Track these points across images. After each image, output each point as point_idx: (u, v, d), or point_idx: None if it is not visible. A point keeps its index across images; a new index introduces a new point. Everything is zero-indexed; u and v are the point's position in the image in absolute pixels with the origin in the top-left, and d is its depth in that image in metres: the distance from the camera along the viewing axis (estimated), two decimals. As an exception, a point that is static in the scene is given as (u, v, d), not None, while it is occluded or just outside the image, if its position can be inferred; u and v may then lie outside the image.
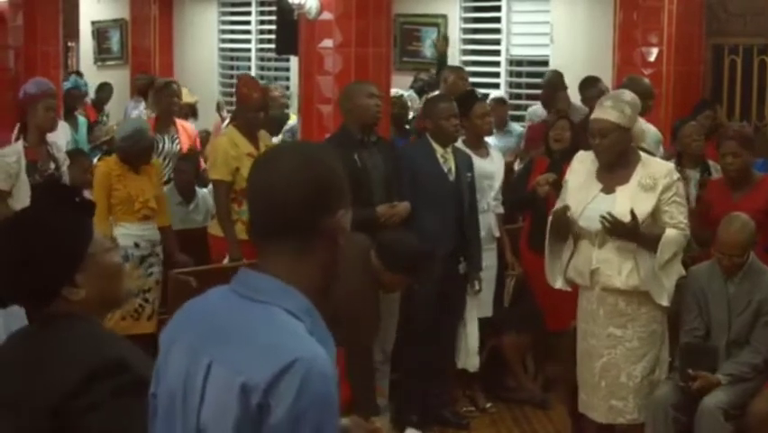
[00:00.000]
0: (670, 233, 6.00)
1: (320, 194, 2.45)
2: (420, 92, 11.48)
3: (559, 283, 6.42)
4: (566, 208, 6.17)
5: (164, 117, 9.96)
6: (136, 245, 7.74)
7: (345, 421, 2.73)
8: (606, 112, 6.09)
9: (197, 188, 9.47)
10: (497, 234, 7.92)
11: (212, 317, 2.50)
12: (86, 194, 8.74)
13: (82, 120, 12.45)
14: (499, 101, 11.58)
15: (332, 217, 2.47)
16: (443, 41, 12.03)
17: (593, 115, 6.20)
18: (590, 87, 10.28)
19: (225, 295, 2.51)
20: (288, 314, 2.42)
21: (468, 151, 7.71)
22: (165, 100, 10.12)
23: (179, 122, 10.16)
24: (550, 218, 6.36)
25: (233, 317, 2.45)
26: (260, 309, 2.42)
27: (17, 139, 8.16)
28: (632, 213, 5.90)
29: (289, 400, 2.28)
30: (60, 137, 9.51)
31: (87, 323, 2.95)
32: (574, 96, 10.98)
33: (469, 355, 7.71)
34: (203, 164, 9.78)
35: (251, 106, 8.08)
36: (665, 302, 6.06)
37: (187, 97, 12.36)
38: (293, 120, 10.89)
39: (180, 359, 2.50)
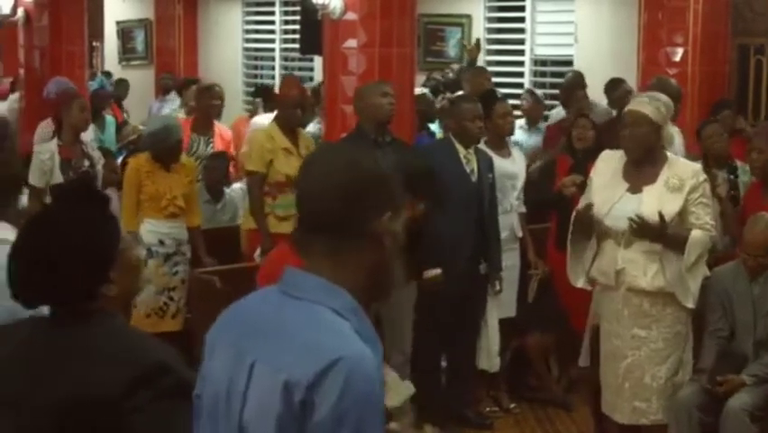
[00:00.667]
0: (696, 234, 5.98)
1: (363, 196, 2.45)
2: (434, 91, 11.46)
3: (581, 282, 6.41)
4: (589, 207, 6.16)
5: (203, 119, 10.00)
6: (161, 243, 7.77)
7: (394, 426, 2.73)
8: (641, 105, 6.13)
9: (225, 189, 9.50)
10: (519, 234, 7.91)
11: (256, 317, 2.52)
12: (111, 192, 8.81)
13: (110, 120, 12.46)
14: (536, 98, 11.54)
15: (377, 220, 2.47)
16: (476, 47, 11.97)
17: (628, 107, 6.25)
18: (615, 88, 10.25)
19: (272, 294, 2.52)
20: (334, 313, 2.41)
21: (489, 151, 7.69)
22: (206, 102, 10.15)
23: (218, 126, 10.19)
24: (573, 217, 6.36)
25: (276, 316, 2.45)
26: (304, 308, 2.43)
27: (52, 137, 8.26)
28: (660, 215, 5.88)
29: (333, 399, 2.28)
30: (86, 137, 9.57)
31: (120, 321, 2.98)
32: (599, 95, 10.95)
33: (490, 356, 7.69)
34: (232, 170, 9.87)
35: (289, 103, 8.23)
36: (691, 304, 6.04)
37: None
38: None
39: (224, 360, 2.51)
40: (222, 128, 10.33)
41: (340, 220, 2.44)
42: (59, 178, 7.90)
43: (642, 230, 5.94)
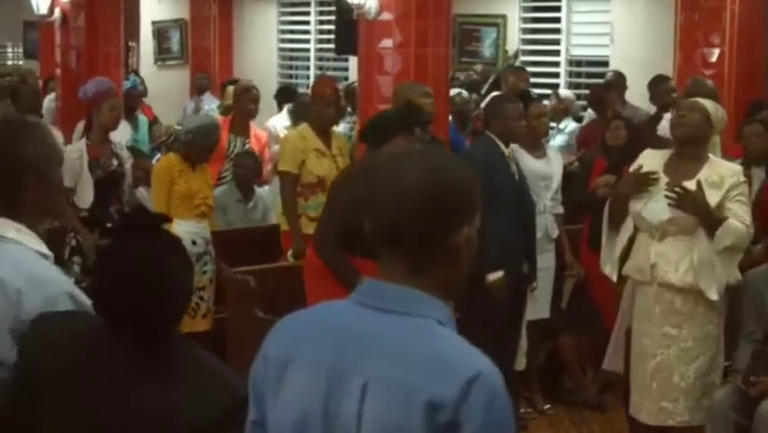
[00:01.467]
0: (733, 221, 5.96)
1: (442, 210, 2.36)
2: (469, 90, 11.44)
3: (608, 269, 6.41)
4: (639, 168, 6.18)
5: (240, 120, 10.05)
6: (193, 243, 7.75)
7: None
8: (702, 100, 6.24)
9: (256, 188, 9.52)
10: (554, 235, 7.87)
11: (349, 333, 2.37)
12: (141, 191, 8.86)
13: (143, 119, 12.52)
14: (559, 99, 11.52)
15: (456, 234, 2.37)
16: (514, 57, 11.93)
17: (690, 97, 6.36)
18: (659, 85, 10.19)
19: (352, 308, 2.40)
20: (440, 325, 2.34)
21: (524, 152, 7.67)
22: (244, 104, 10.19)
23: (253, 128, 10.23)
24: (610, 199, 6.43)
25: (380, 332, 2.33)
26: (410, 321, 2.33)
27: (82, 137, 8.29)
28: (698, 184, 5.89)
29: (481, 416, 2.22)
30: (119, 137, 9.61)
31: (198, 348, 3.00)
32: (635, 96, 10.92)
33: (519, 355, 7.68)
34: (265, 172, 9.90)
35: (321, 102, 8.23)
36: (714, 296, 5.99)
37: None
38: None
39: (311, 380, 2.36)
40: (257, 130, 10.36)
41: (422, 236, 2.35)
42: (87, 177, 7.92)
43: (682, 198, 5.93)
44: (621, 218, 6.30)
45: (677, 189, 5.94)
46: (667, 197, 5.96)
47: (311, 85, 11.04)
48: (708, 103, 6.20)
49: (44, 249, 3.24)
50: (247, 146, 9.87)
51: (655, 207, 6.04)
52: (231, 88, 12.24)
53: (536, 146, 7.89)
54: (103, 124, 8.12)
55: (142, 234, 2.94)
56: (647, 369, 6.11)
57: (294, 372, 2.39)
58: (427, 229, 2.34)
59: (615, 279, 6.42)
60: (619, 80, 11.23)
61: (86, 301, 3.14)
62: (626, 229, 6.29)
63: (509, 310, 7.34)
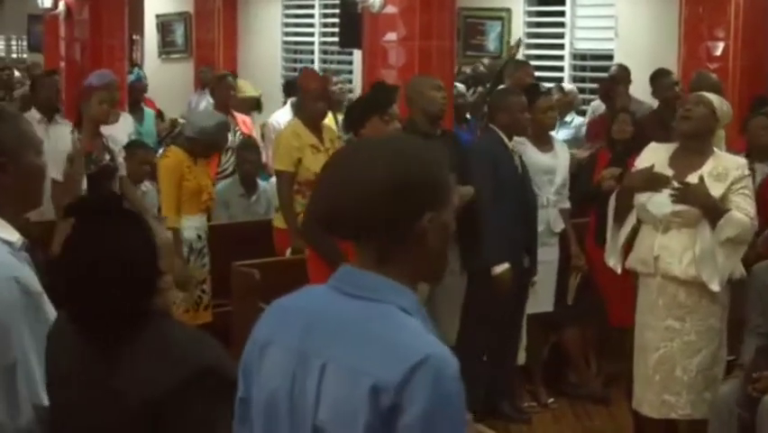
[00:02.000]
0: (736, 213, 5.96)
1: (402, 197, 2.36)
2: (465, 84, 11.42)
3: (612, 262, 6.42)
4: (652, 168, 6.19)
5: (222, 109, 10.04)
6: (198, 237, 7.76)
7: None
8: (708, 94, 6.27)
9: (259, 181, 9.52)
10: (556, 229, 7.86)
11: (318, 317, 2.42)
12: (147, 186, 8.84)
13: (149, 112, 12.53)
14: (564, 93, 11.51)
15: (420, 219, 2.37)
16: (516, 47, 11.87)
17: (696, 92, 6.37)
18: (661, 78, 10.17)
19: (327, 294, 2.44)
20: (404, 312, 2.36)
21: (531, 145, 7.66)
22: (222, 93, 10.24)
23: (237, 115, 10.27)
24: (616, 192, 6.43)
25: (344, 316, 2.38)
26: (373, 307, 2.36)
27: (73, 131, 8.23)
28: (700, 178, 5.91)
29: (422, 400, 2.22)
30: (121, 130, 9.60)
31: (172, 322, 3.02)
32: (639, 90, 10.90)
33: (519, 349, 7.69)
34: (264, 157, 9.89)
35: (311, 96, 8.12)
36: (716, 287, 5.99)
37: (250, 91, 12.44)
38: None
39: (282, 361, 2.44)
40: (240, 115, 10.50)
41: (384, 224, 2.37)
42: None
43: (684, 193, 5.95)
44: (626, 211, 6.31)
45: (679, 185, 5.95)
46: (671, 194, 5.98)
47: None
48: (713, 97, 6.21)
49: (9, 235, 3.23)
50: (238, 133, 9.90)
51: (660, 200, 6.05)
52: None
53: (543, 140, 7.86)
54: (93, 117, 8.05)
55: (97, 218, 2.97)
56: (650, 362, 6.12)
57: (270, 353, 2.47)
58: (388, 217, 2.36)
59: (619, 271, 6.43)
60: (624, 74, 11.21)
61: (36, 287, 3.17)
62: (630, 221, 6.30)
63: (509, 304, 7.36)
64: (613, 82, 10.95)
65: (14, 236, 3.24)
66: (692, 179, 6.04)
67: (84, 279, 2.92)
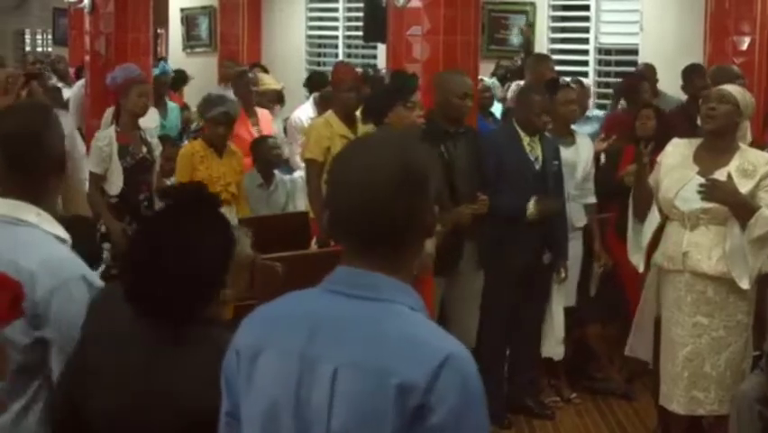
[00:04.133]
0: (766, 211, 5.94)
1: (418, 190, 2.37)
2: (502, 79, 11.40)
3: (635, 259, 6.40)
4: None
5: (245, 106, 10.08)
6: None
7: None
8: (731, 88, 6.26)
9: (276, 172, 9.54)
10: (578, 224, 7.84)
11: (321, 321, 2.38)
12: (171, 182, 8.88)
13: (172, 105, 12.55)
14: (583, 87, 11.45)
15: (430, 213, 2.40)
16: (528, 27, 11.82)
17: (718, 87, 6.34)
18: (694, 73, 10.10)
19: (324, 297, 2.41)
20: (411, 310, 2.35)
21: (553, 138, 7.64)
22: (242, 89, 10.26)
23: (259, 110, 10.29)
24: (633, 187, 6.45)
25: (354, 319, 2.35)
26: (385, 308, 2.34)
27: (111, 124, 8.29)
28: (728, 175, 5.88)
29: (452, 398, 2.22)
30: (146, 122, 9.62)
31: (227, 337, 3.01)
32: (663, 86, 10.85)
33: (554, 344, 7.68)
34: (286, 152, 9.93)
35: (343, 87, 8.26)
36: (746, 285, 5.99)
37: (272, 85, 12.44)
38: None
39: (281, 369, 2.38)
40: (261, 111, 10.54)
41: (401, 231, 2.37)
42: (116, 164, 7.92)
43: (713, 190, 5.91)
44: (646, 207, 6.29)
45: (707, 182, 5.92)
46: (699, 191, 5.94)
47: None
48: (734, 89, 6.21)
49: (62, 233, 3.28)
50: (256, 128, 9.95)
51: (687, 196, 6.02)
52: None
53: (565, 133, 7.85)
54: (131, 110, 8.10)
55: (177, 213, 2.96)
56: (678, 358, 6.10)
57: (265, 361, 2.41)
58: (407, 217, 2.36)
59: (641, 269, 6.41)
60: (651, 73, 11.15)
61: (98, 282, 3.24)
62: (653, 219, 6.28)
63: (524, 300, 7.34)
64: (638, 78, 10.89)
65: (65, 234, 3.30)
66: (719, 175, 6.01)
67: (146, 263, 2.92)
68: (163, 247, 2.93)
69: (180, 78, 14.79)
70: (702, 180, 6.02)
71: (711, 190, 5.93)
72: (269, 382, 2.39)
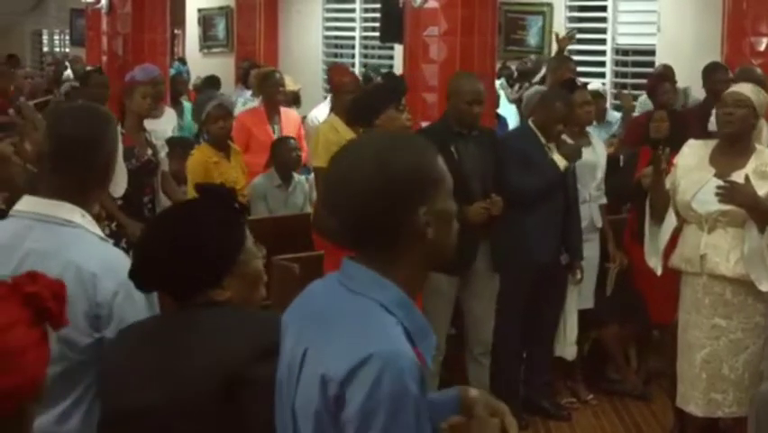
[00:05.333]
0: None
1: (391, 196, 2.39)
2: (509, 80, 11.39)
3: (653, 262, 6.39)
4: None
5: (270, 107, 10.05)
6: None
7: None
8: (744, 88, 6.17)
9: (294, 174, 9.53)
10: (599, 224, 7.85)
11: (314, 304, 2.53)
12: (184, 190, 8.89)
13: (188, 106, 12.57)
14: (596, 94, 11.43)
15: (414, 214, 2.41)
16: (567, 38, 11.69)
17: (731, 89, 6.25)
18: (714, 72, 10.07)
19: (331, 283, 2.51)
20: (381, 307, 2.39)
21: (568, 140, 7.62)
22: (270, 90, 10.21)
23: (283, 110, 10.25)
24: (649, 190, 6.38)
25: (331, 307, 2.46)
26: (353, 301, 2.42)
27: (116, 125, 8.27)
28: (746, 177, 5.85)
29: (362, 396, 2.27)
30: (165, 124, 9.63)
31: (232, 307, 3.01)
32: (683, 86, 10.84)
33: (567, 345, 7.67)
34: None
35: (344, 90, 8.19)
36: (765, 287, 5.95)
37: (290, 85, 12.45)
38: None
39: (288, 343, 2.53)
40: (287, 111, 10.46)
41: (379, 230, 2.42)
42: (121, 166, 7.88)
43: (731, 193, 5.89)
44: (663, 211, 6.27)
45: (725, 184, 5.90)
46: (717, 194, 5.92)
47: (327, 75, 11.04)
48: (749, 90, 6.13)
49: (102, 234, 3.31)
50: (276, 128, 9.94)
51: (705, 198, 6.00)
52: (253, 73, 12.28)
53: (581, 134, 7.84)
54: (135, 111, 8.06)
55: (191, 204, 3.02)
56: (696, 360, 6.07)
57: (285, 337, 2.58)
58: (381, 217, 2.40)
59: (659, 272, 6.39)
60: (666, 72, 11.13)
61: None
62: (670, 223, 6.26)
63: (541, 301, 7.33)
64: (659, 79, 10.86)
65: (103, 235, 3.34)
66: (737, 177, 5.98)
67: (152, 236, 3.03)
68: (170, 220, 3.05)
69: (211, 83, 14.74)
70: (720, 182, 5.99)
71: (729, 193, 5.90)
72: (283, 356, 2.55)
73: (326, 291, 2.52)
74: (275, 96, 10.17)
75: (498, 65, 12.71)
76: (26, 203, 3.32)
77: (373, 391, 2.27)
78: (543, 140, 7.34)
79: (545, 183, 7.20)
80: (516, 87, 11.18)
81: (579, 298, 7.67)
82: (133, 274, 3.00)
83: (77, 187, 3.29)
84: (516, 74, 12.75)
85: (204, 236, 2.96)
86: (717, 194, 5.91)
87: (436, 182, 2.45)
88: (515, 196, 7.02)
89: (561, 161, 7.29)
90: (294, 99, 12.54)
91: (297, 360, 2.44)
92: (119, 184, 7.73)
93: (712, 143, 6.22)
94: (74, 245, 3.19)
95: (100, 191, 3.41)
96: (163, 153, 8.32)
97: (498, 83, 11.22)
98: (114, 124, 3.53)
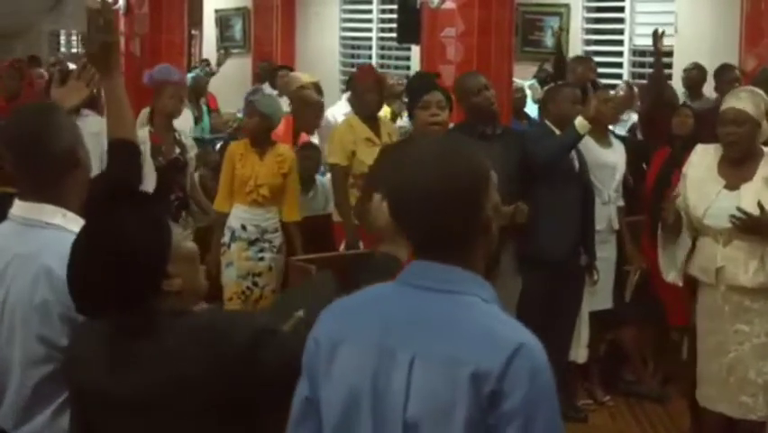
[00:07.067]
0: None
1: (462, 191, 2.46)
2: (543, 82, 11.38)
3: (671, 276, 6.33)
4: (676, 197, 6.10)
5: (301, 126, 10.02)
6: (243, 228, 7.78)
7: None
8: (741, 101, 5.98)
9: (317, 177, 9.51)
10: (616, 226, 7.81)
11: (397, 313, 2.48)
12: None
13: (205, 108, 12.61)
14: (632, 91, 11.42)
15: (483, 210, 2.49)
16: (560, 30, 11.76)
17: (728, 104, 6.06)
18: (725, 74, 10.05)
19: (398, 290, 2.51)
20: (486, 302, 2.44)
21: (591, 140, 7.57)
22: (308, 116, 10.18)
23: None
24: (662, 213, 6.28)
25: (429, 310, 2.44)
26: (458, 299, 2.43)
27: (146, 124, 8.31)
28: (760, 206, 5.77)
29: (524, 386, 2.30)
30: (181, 123, 9.64)
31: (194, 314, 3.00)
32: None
33: (579, 347, 7.65)
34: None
35: (363, 88, 8.25)
36: None
37: (306, 78, 12.40)
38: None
39: (360, 359, 2.48)
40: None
41: (455, 230, 2.46)
42: (150, 164, 7.92)
43: (746, 225, 5.83)
44: (677, 235, 6.21)
45: (739, 216, 5.80)
46: (732, 223, 5.84)
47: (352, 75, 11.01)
48: (746, 103, 5.95)
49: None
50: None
51: (717, 214, 5.92)
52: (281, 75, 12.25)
53: (602, 134, 7.77)
54: (162, 110, 8.11)
55: (112, 206, 2.98)
56: (722, 365, 6.00)
57: (344, 352, 2.50)
58: (457, 219, 2.45)
59: (681, 284, 6.33)
60: (702, 74, 11.05)
61: None
62: (684, 244, 6.18)
63: (559, 302, 7.31)
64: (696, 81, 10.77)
65: None
66: (746, 188, 5.89)
67: (87, 270, 2.93)
68: (94, 239, 2.94)
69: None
70: (730, 195, 5.89)
71: (744, 224, 5.83)
72: (350, 372, 2.48)
73: (403, 299, 2.49)
74: (313, 121, 9.97)
75: (536, 68, 12.72)
76: (17, 207, 3.37)
77: (535, 379, 2.32)
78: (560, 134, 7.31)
79: (559, 146, 7.16)
80: (545, 88, 11.17)
81: (596, 298, 7.64)
82: (81, 309, 2.98)
83: (45, 182, 3.32)
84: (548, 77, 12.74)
85: (133, 247, 2.90)
86: (731, 222, 5.83)
87: (489, 177, 2.53)
88: (544, 165, 7.02)
89: (574, 159, 7.26)
90: (316, 91, 12.49)
91: (399, 372, 2.41)
92: (147, 183, 7.77)
93: (720, 150, 6.11)
94: (48, 249, 3.21)
95: (73, 182, 3.38)
96: (192, 153, 8.36)
97: (527, 84, 11.20)
98: (61, 112, 3.51)
